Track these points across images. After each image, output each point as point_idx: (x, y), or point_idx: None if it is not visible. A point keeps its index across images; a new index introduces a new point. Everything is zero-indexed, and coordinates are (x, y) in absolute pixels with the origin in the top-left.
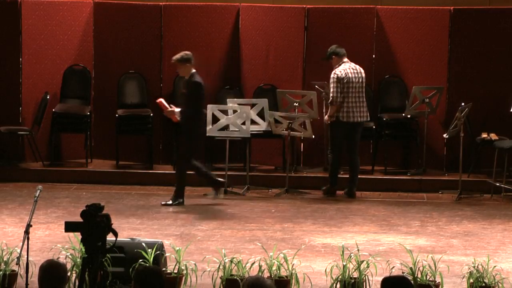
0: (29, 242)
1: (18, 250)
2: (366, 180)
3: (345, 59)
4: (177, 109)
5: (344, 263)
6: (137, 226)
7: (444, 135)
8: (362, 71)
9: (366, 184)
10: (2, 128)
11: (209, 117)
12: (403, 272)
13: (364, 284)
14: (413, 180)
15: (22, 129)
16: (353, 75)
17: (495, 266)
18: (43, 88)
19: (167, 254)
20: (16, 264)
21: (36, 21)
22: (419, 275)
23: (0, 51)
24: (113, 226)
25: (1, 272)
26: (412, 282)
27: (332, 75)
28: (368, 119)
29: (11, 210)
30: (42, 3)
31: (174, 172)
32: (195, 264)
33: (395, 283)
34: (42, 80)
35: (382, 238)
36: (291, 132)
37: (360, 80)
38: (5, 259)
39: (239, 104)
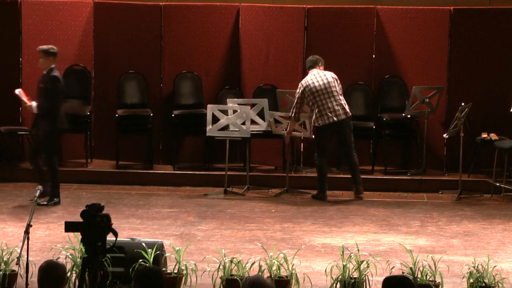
0: (29, 242)
1: (18, 250)
2: (366, 180)
3: (312, 70)
4: (34, 103)
5: (344, 263)
6: (137, 226)
7: (444, 135)
8: (329, 74)
9: (366, 184)
10: (2, 128)
11: (209, 117)
12: (403, 272)
13: (364, 284)
14: (413, 180)
15: (22, 129)
16: (315, 82)
17: (495, 266)
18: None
19: (167, 254)
20: (16, 264)
21: (36, 21)
22: (419, 275)
23: (0, 51)
24: (113, 226)
25: (1, 272)
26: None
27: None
28: (347, 115)
29: (11, 210)
30: (42, 3)
31: (34, 169)
32: (195, 264)
33: (397, 283)
34: None
35: (382, 238)
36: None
37: (325, 83)
38: (5, 259)
39: (239, 104)
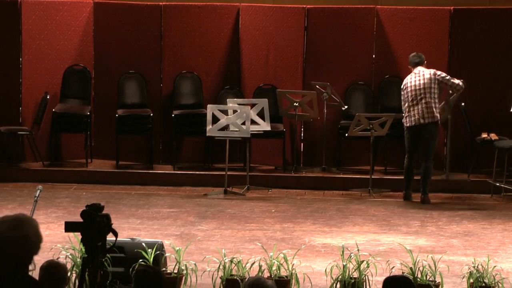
0: None
1: None
2: (364, 180)
3: (416, 68)
4: None
5: (344, 263)
6: (137, 226)
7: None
8: (428, 74)
9: (364, 184)
10: (2, 128)
11: (209, 117)
12: (403, 272)
13: (364, 284)
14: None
15: (22, 129)
16: (412, 81)
17: (495, 266)
18: (43, 88)
19: (167, 254)
20: None
21: (36, 21)
22: (419, 275)
23: (0, 51)
24: (113, 226)
25: None
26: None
27: None
28: (430, 121)
29: (11, 210)
30: (42, 3)
31: None
32: (195, 264)
33: (397, 283)
34: (42, 80)
35: (382, 238)
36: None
37: (420, 83)
38: None
39: (239, 104)
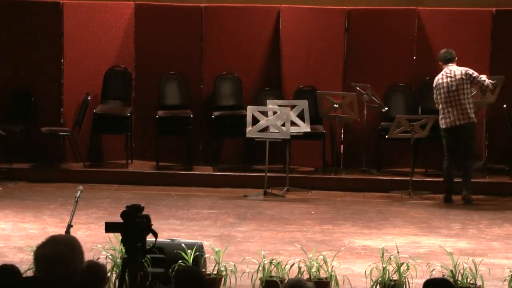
0: None
1: None
2: (405, 182)
3: (446, 66)
4: None
5: (384, 265)
6: (177, 227)
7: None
8: (459, 72)
9: (405, 186)
10: (44, 129)
11: (249, 119)
12: (443, 275)
13: (404, 286)
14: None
15: (63, 130)
16: (444, 80)
17: None
18: (84, 89)
19: (206, 255)
20: None
21: (78, 23)
22: (460, 278)
23: (42, 53)
24: (153, 227)
25: None
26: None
27: None
28: (466, 121)
29: (52, 211)
30: (83, 5)
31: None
32: (234, 265)
33: (437, 286)
34: (83, 81)
35: (422, 241)
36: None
37: (452, 82)
38: None
39: (279, 106)
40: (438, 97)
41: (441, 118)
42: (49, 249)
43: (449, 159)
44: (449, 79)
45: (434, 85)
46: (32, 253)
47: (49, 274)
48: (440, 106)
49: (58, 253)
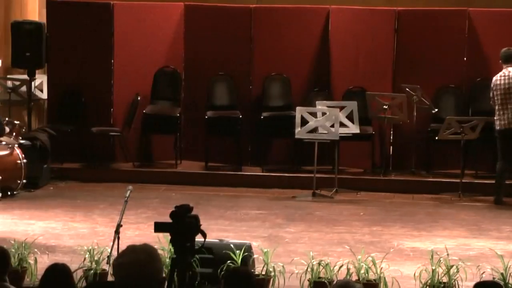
0: (119, 241)
1: (109, 250)
2: (455, 184)
3: (506, 67)
4: None
5: (433, 268)
6: (226, 227)
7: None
8: None
9: (454, 188)
10: (94, 129)
11: (297, 120)
12: (494, 278)
13: None
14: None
15: (113, 130)
16: (501, 81)
17: None
18: (134, 90)
19: (255, 256)
20: (107, 263)
21: (128, 24)
22: (511, 281)
23: (93, 53)
24: (202, 227)
25: (92, 271)
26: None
27: None
28: (502, 127)
29: (102, 210)
30: (133, 6)
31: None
32: (283, 266)
33: None
34: (133, 81)
35: (472, 243)
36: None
37: (506, 86)
38: (95, 258)
39: (328, 107)
40: (495, 98)
41: (496, 120)
42: (128, 258)
43: (502, 161)
44: (506, 81)
45: (492, 85)
46: (111, 263)
47: (129, 283)
48: (496, 107)
49: (137, 261)
